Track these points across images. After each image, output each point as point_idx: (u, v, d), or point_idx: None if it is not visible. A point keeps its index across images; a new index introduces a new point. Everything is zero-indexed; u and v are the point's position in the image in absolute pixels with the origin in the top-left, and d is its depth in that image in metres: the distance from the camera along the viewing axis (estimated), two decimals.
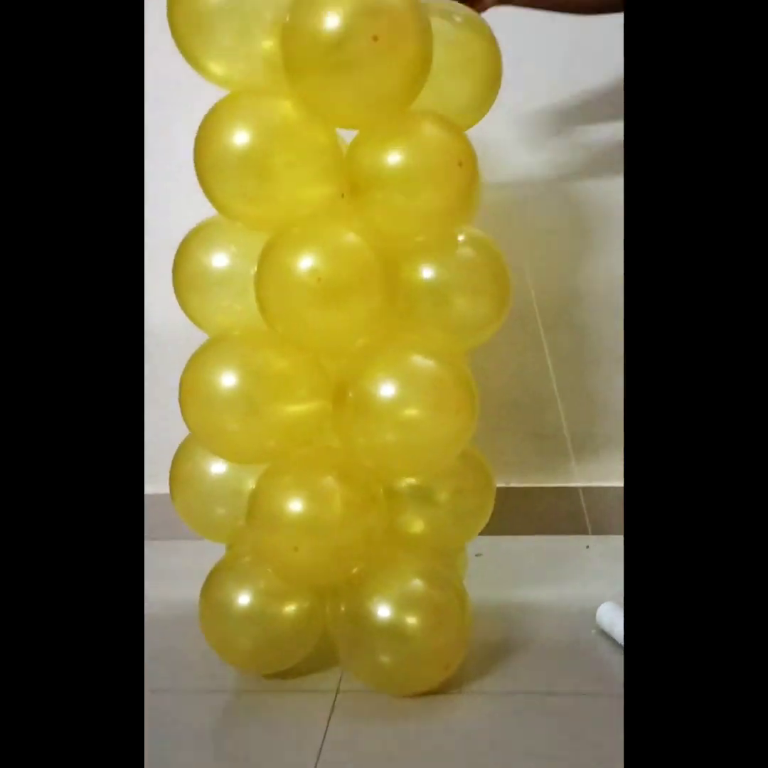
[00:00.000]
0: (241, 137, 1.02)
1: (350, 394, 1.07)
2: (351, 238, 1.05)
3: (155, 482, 1.27)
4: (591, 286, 1.58)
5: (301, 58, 0.99)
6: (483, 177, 1.24)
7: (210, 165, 1.04)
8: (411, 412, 1.06)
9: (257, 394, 1.09)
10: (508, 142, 1.55)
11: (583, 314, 1.60)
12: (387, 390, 1.05)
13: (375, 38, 0.95)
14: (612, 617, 1.26)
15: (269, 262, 1.05)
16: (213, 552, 1.25)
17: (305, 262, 1.01)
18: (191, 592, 1.20)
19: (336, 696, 1.17)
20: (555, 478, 1.65)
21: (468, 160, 1.06)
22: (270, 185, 1.04)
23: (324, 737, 1.07)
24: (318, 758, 1.03)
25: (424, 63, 1.02)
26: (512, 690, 1.16)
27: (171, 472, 1.23)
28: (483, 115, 1.19)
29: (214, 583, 1.19)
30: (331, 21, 0.95)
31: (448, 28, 1.10)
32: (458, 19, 1.12)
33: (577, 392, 1.61)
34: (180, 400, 1.12)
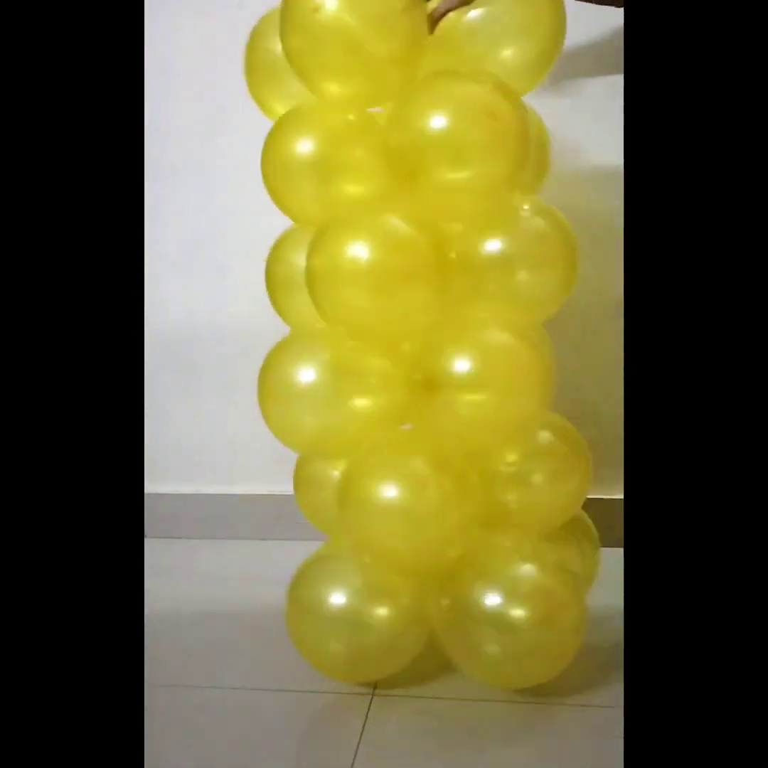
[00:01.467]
0: (304, 144, 1.06)
1: (420, 376, 1.06)
2: (398, 223, 1.03)
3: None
4: None
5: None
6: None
7: (276, 172, 1.10)
8: (485, 388, 1.04)
9: (331, 388, 1.10)
10: None
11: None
12: (459, 366, 1.03)
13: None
14: None
15: (317, 252, 1.05)
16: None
17: (351, 252, 1.01)
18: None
19: (371, 699, 1.14)
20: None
21: (502, 113, 1.00)
22: (329, 186, 1.07)
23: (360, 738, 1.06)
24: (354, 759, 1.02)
25: None
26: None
27: (295, 473, 1.28)
28: (542, 78, 1.13)
29: (302, 581, 1.15)
30: None
31: None
32: None
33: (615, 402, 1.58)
34: (259, 397, 1.15)
